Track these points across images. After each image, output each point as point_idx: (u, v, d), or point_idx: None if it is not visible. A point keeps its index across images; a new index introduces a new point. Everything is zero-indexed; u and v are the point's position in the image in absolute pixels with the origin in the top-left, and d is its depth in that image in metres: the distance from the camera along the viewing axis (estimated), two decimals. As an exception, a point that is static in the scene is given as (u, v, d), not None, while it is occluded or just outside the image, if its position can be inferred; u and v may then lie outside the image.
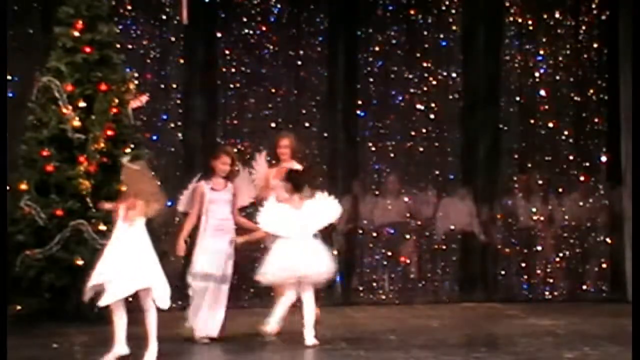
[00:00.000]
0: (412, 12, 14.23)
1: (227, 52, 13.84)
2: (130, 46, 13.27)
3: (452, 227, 14.08)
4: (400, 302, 13.50)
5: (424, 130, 14.26)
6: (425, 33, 14.25)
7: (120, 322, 8.58)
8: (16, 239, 11.26)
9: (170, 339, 10.14)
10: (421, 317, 12.16)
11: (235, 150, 11.48)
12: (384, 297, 13.85)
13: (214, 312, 10.14)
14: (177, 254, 10.28)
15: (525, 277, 14.21)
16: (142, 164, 9.33)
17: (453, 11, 14.25)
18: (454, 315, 12.39)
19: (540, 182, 14.38)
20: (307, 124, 13.99)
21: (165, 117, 13.61)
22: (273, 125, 13.87)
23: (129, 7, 13.48)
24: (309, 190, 10.22)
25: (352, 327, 11.28)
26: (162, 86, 13.61)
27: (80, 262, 11.13)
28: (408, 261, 14.10)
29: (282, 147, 11.00)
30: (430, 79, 14.28)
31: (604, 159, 14.35)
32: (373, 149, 14.18)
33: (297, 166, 10.66)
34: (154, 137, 13.36)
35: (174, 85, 13.66)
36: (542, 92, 14.42)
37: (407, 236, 14.14)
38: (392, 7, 14.19)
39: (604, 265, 14.27)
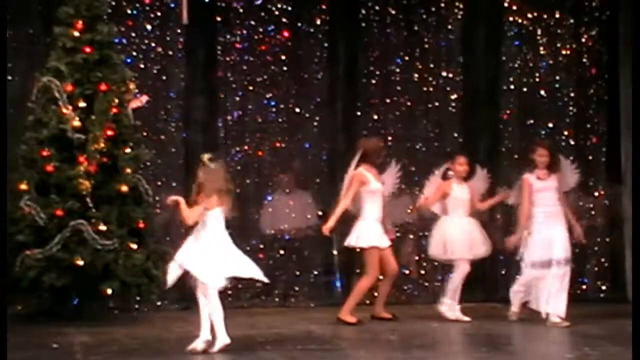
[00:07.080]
0: (412, 12, 14.22)
1: (227, 52, 13.84)
2: (130, 46, 13.28)
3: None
4: (400, 302, 13.48)
5: (424, 130, 14.26)
6: (425, 33, 14.25)
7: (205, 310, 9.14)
8: (16, 239, 11.26)
9: (169, 339, 10.15)
10: (421, 317, 12.15)
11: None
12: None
13: (561, 294, 11.04)
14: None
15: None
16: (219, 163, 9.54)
17: (453, 11, 14.25)
18: (454, 315, 12.36)
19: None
20: (307, 125, 13.99)
21: (165, 117, 13.61)
22: (273, 125, 13.88)
23: (129, 7, 13.48)
24: None
25: (353, 326, 11.27)
26: (162, 86, 13.61)
27: (80, 262, 11.14)
28: (408, 261, 14.09)
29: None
30: (430, 79, 14.28)
31: (603, 159, 14.34)
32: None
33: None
34: (154, 137, 13.36)
35: (174, 85, 13.66)
36: (542, 92, 14.42)
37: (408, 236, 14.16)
38: (392, 7, 14.19)
39: (604, 265, 14.26)
